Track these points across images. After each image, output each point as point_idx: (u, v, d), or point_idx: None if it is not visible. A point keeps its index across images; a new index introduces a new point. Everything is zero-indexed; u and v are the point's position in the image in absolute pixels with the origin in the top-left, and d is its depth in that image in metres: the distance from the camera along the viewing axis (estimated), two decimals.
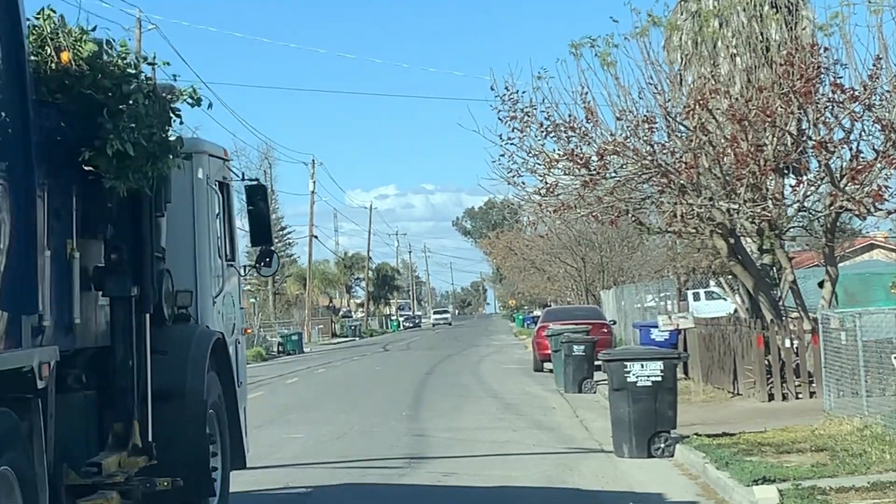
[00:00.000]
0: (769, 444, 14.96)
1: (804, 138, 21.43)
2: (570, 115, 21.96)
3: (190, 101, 9.63)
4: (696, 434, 16.14)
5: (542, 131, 22.15)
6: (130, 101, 8.87)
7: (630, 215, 22.80)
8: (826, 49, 21.35)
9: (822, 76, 20.77)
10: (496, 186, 30.50)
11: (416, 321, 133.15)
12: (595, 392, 26.90)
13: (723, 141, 21.37)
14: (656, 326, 27.61)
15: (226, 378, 10.79)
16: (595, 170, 21.64)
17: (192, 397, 9.88)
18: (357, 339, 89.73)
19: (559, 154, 22.22)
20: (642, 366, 15.77)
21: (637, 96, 22.05)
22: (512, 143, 22.46)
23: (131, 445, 9.10)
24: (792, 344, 22.12)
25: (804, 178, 22.60)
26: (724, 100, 21.49)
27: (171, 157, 9.31)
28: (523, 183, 23.37)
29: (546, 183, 22.76)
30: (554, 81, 22.18)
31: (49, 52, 8.60)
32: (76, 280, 8.47)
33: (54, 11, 8.83)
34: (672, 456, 15.38)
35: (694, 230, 22.34)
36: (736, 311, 27.89)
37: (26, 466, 7.07)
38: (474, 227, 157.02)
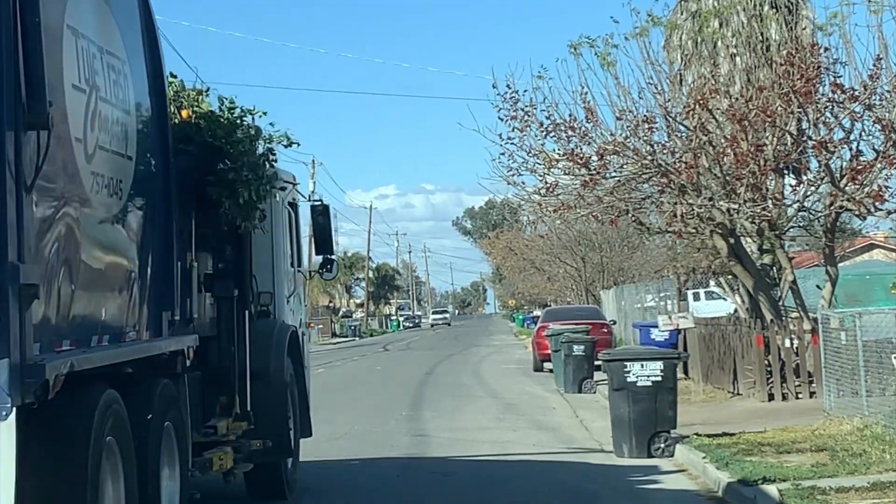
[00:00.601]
0: (769, 444, 14.96)
1: (804, 138, 21.43)
2: (570, 115, 21.98)
3: (285, 143, 12.20)
4: (696, 434, 16.14)
5: (543, 131, 22.15)
6: (240, 147, 11.33)
7: (630, 215, 22.80)
8: (826, 49, 21.35)
9: (822, 76, 20.77)
10: (496, 186, 30.72)
11: (416, 321, 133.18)
12: (595, 392, 26.90)
13: (723, 141, 21.36)
14: (656, 326, 27.61)
15: (297, 362, 13.18)
16: (595, 170, 21.64)
17: (276, 376, 12.36)
18: (357, 338, 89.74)
19: (559, 154, 22.22)
20: (642, 366, 15.77)
21: (637, 96, 22.07)
22: (512, 143, 22.48)
23: (234, 413, 11.72)
24: (792, 344, 22.12)
25: (804, 178, 22.60)
26: (724, 100, 21.49)
27: (272, 190, 12.04)
28: (523, 183, 23.39)
29: (546, 183, 22.77)
30: (554, 81, 22.20)
31: (173, 110, 10.89)
32: (195, 285, 10.83)
33: (175, 76, 11.52)
34: (672, 456, 15.38)
35: (694, 230, 22.34)
36: (736, 311, 27.88)
37: (180, 423, 9.65)
38: (474, 227, 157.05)
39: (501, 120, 22.36)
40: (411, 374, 35.51)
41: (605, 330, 35.51)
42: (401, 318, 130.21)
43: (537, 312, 67.54)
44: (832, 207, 21.19)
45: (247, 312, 12.11)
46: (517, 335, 77.46)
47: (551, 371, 32.16)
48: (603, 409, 21.19)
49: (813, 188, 22.06)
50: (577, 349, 28.06)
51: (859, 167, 20.56)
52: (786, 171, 23.49)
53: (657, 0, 32.34)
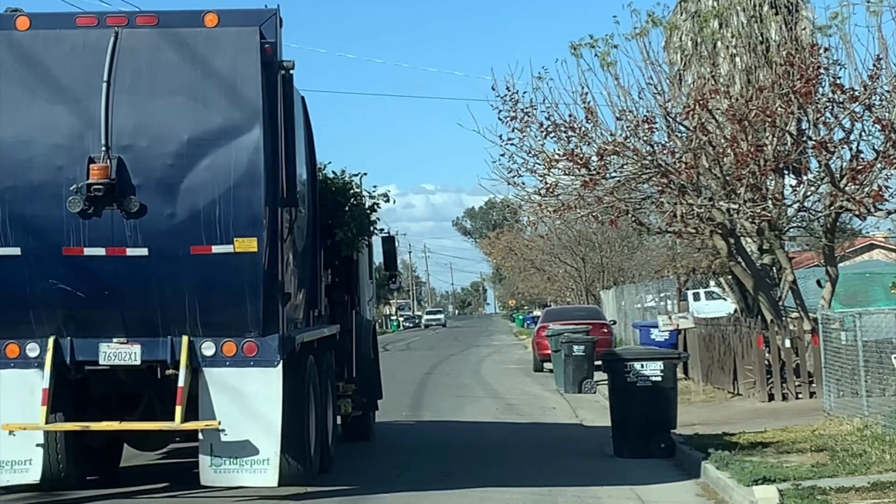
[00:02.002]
0: (769, 444, 14.97)
1: (804, 138, 21.43)
2: (570, 116, 21.97)
3: (385, 199, 17.17)
4: (696, 434, 16.15)
5: (543, 131, 22.15)
6: (352, 201, 16.40)
7: (630, 215, 22.80)
8: (826, 49, 21.36)
9: (822, 76, 20.77)
10: (496, 186, 30.67)
11: (416, 321, 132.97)
12: (595, 392, 26.91)
13: (723, 141, 21.37)
14: (656, 326, 27.61)
15: (375, 345, 18.91)
16: (595, 170, 21.64)
17: (369, 353, 18.10)
18: None
19: (559, 154, 22.22)
20: (642, 366, 15.78)
21: (637, 96, 22.07)
22: (512, 144, 22.48)
23: (346, 377, 16.71)
24: (792, 344, 22.13)
25: (804, 178, 22.60)
26: (724, 100, 21.49)
27: (371, 232, 17.54)
28: (523, 183, 23.39)
29: (546, 183, 22.76)
30: (554, 82, 22.19)
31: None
32: (322, 291, 15.27)
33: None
34: (672, 456, 15.39)
35: (694, 230, 22.35)
36: (736, 311, 27.89)
37: (333, 378, 15.39)
38: (474, 227, 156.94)
39: (501, 121, 22.39)
40: (411, 375, 35.48)
41: (605, 330, 35.49)
42: (401, 319, 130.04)
43: (537, 312, 67.51)
44: (832, 207, 21.19)
45: (354, 311, 17.11)
46: (517, 335, 77.42)
47: (551, 371, 32.15)
48: (603, 409, 21.19)
49: (813, 188, 22.07)
50: (577, 349, 28.06)
51: (859, 167, 20.57)
52: (786, 172, 23.49)
53: (658, 3, 32.29)
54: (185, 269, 12.12)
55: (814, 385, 21.38)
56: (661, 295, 46.79)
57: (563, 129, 21.88)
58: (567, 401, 25.86)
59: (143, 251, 12.13)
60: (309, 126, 14.54)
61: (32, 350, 12.44)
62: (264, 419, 12.16)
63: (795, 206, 22.58)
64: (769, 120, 20.76)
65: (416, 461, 16.01)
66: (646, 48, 22.39)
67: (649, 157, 21.31)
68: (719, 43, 25.61)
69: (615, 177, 22.12)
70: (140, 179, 12.07)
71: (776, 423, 17.51)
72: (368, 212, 16.78)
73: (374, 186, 17.12)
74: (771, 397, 21.86)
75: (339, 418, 16.16)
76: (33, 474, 12.40)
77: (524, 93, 22.27)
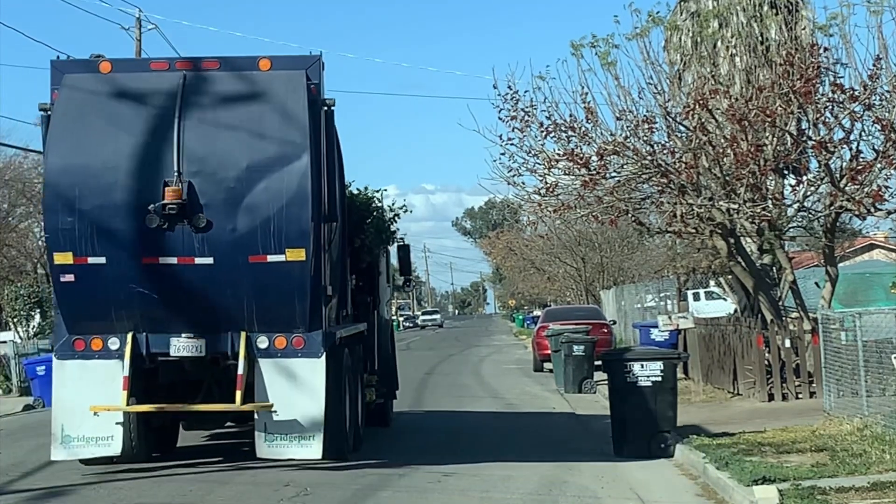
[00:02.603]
0: (769, 444, 14.97)
1: (804, 138, 21.43)
2: (570, 115, 21.98)
3: (403, 211, 19.93)
4: (696, 434, 16.15)
5: (543, 131, 22.15)
6: (374, 214, 18.90)
7: (630, 215, 22.80)
8: (826, 49, 21.35)
9: (822, 76, 20.77)
10: (496, 186, 30.79)
11: (416, 321, 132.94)
12: (595, 392, 26.91)
13: (723, 141, 21.37)
14: (656, 326, 27.63)
15: (393, 341, 21.46)
16: (595, 170, 21.64)
17: (388, 349, 20.58)
18: None
19: (559, 154, 22.22)
20: (642, 366, 15.78)
21: (637, 96, 22.06)
22: (512, 143, 22.48)
23: (369, 369, 18.73)
24: (792, 344, 22.12)
25: (804, 178, 22.60)
26: (724, 100, 21.49)
27: (390, 241, 20.26)
28: (523, 183, 23.38)
29: (546, 183, 22.77)
30: (554, 81, 22.19)
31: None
32: (349, 294, 17.37)
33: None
34: (672, 456, 15.40)
35: (694, 230, 22.35)
36: (736, 311, 27.90)
37: (360, 372, 17.40)
38: (474, 227, 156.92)
39: (502, 120, 22.39)
40: (411, 374, 35.46)
41: (605, 330, 35.49)
42: (401, 319, 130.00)
43: (537, 312, 67.52)
44: (832, 207, 21.19)
45: (375, 312, 19.31)
46: (517, 335, 77.41)
47: (551, 371, 32.16)
48: (603, 409, 21.19)
49: (813, 188, 22.07)
50: (577, 349, 28.07)
51: (859, 167, 20.57)
52: (786, 171, 23.50)
53: (659, 2, 32.31)
54: (244, 275, 14.36)
55: (814, 385, 21.38)
56: (661, 295, 46.82)
57: (563, 128, 21.89)
58: (567, 401, 25.86)
59: (209, 260, 14.35)
60: (340, 150, 16.52)
61: (114, 344, 14.64)
62: (310, 401, 14.38)
63: (795, 206, 22.58)
64: (769, 120, 20.76)
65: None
66: (646, 48, 22.41)
67: (649, 157, 21.31)
68: (719, 43, 25.61)
69: (615, 177, 22.12)
70: (207, 199, 14.30)
71: (776, 423, 17.51)
72: (388, 223, 19.45)
73: (394, 201, 19.95)
74: (771, 397, 21.86)
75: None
76: (115, 448, 14.66)
77: (524, 92, 22.30)
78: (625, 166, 21.89)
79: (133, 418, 15.02)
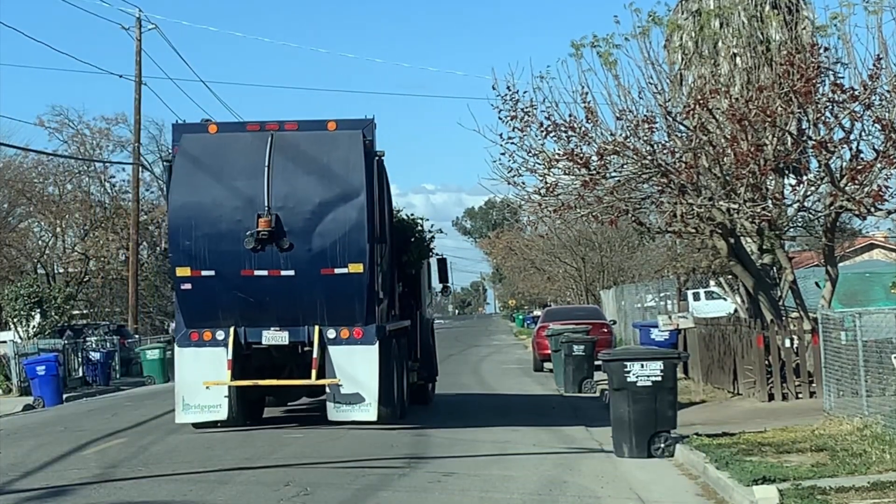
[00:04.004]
0: (769, 444, 14.95)
1: (804, 138, 21.44)
2: (570, 115, 21.98)
3: (439, 232, 26.69)
4: (696, 434, 16.14)
5: (543, 131, 22.16)
6: (416, 235, 23.61)
7: (630, 215, 22.80)
8: (826, 49, 21.35)
9: (822, 76, 20.77)
10: (496, 186, 30.65)
11: None
12: (595, 392, 26.88)
13: (723, 141, 21.37)
14: (656, 326, 27.61)
15: (433, 336, 25.88)
16: (595, 170, 21.64)
17: (428, 341, 25.02)
18: None
19: (559, 154, 22.22)
20: (642, 366, 15.75)
21: (637, 96, 22.09)
22: (512, 143, 22.49)
23: (413, 357, 23.43)
24: (792, 344, 22.11)
25: (804, 178, 22.61)
26: (724, 100, 21.49)
27: (429, 256, 25.03)
28: (523, 183, 23.39)
29: (546, 183, 22.77)
30: (554, 81, 22.22)
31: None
32: (397, 298, 22.03)
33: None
34: (672, 456, 15.38)
35: (694, 230, 22.34)
36: (736, 311, 27.89)
37: (404, 359, 22.29)
38: (474, 227, 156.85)
39: (501, 120, 22.41)
40: None
41: (605, 330, 35.51)
42: None
43: (537, 312, 67.50)
44: (832, 207, 21.19)
45: (418, 312, 24.15)
46: (517, 335, 77.42)
47: (551, 371, 32.16)
48: (603, 409, 21.17)
49: (813, 188, 22.07)
50: (577, 349, 28.08)
51: (859, 167, 20.57)
52: (786, 171, 23.49)
53: (659, 2, 32.27)
54: (317, 283, 19.05)
55: (814, 385, 21.37)
56: (661, 295, 46.79)
57: (563, 128, 21.89)
58: (567, 401, 25.84)
59: (291, 272, 19.08)
60: (388, 183, 21.35)
61: (220, 335, 19.36)
62: (367, 378, 19.10)
63: (795, 206, 22.58)
64: (769, 120, 20.76)
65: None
66: (646, 48, 22.44)
67: (649, 157, 21.30)
68: (720, 42, 25.60)
69: (615, 177, 22.12)
70: (289, 227, 19.05)
71: (776, 423, 17.50)
72: (427, 242, 24.56)
73: (432, 225, 25.10)
74: (771, 397, 21.85)
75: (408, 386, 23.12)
76: (222, 414, 19.41)
77: (524, 92, 22.32)
78: (625, 166, 21.89)
79: (234, 391, 19.51)
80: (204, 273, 19.10)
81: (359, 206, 18.91)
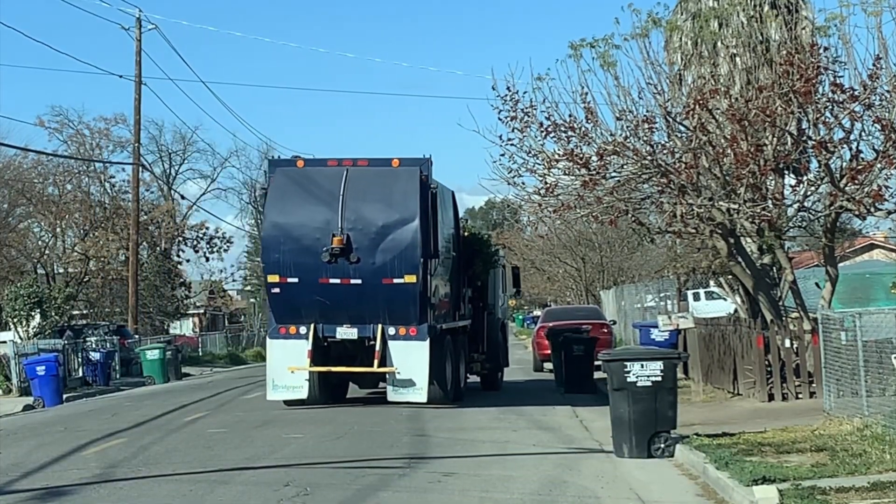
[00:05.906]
0: (769, 444, 14.95)
1: (804, 138, 21.43)
2: (570, 116, 21.98)
3: (501, 248, 37.26)
4: (696, 434, 16.14)
5: (542, 131, 22.16)
6: (483, 248, 29.26)
7: (630, 215, 22.80)
8: (826, 49, 21.34)
9: (822, 76, 20.76)
10: (496, 186, 30.86)
11: None
12: (596, 392, 26.86)
13: (723, 141, 21.37)
14: (656, 326, 27.59)
15: (504, 332, 31.45)
16: (595, 170, 21.64)
17: (496, 337, 29.85)
18: None
19: (559, 154, 22.22)
20: (642, 366, 15.75)
21: (637, 96, 22.08)
22: (512, 144, 22.50)
23: (480, 350, 28.93)
24: (792, 344, 22.11)
25: (804, 178, 22.60)
26: (724, 100, 21.48)
27: (497, 264, 30.95)
28: (523, 183, 23.41)
29: (546, 183, 22.77)
30: (554, 82, 22.21)
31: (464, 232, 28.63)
32: (465, 299, 27.69)
33: (467, 221, 31.60)
34: (672, 456, 15.38)
35: (694, 230, 22.34)
36: (736, 311, 27.89)
37: (463, 351, 26.94)
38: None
39: (501, 121, 22.42)
40: None
41: (605, 330, 35.49)
42: None
43: (537, 312, 67.49)
44: (832, 207, 21.19)
45: (485, 312, 29.04)
46: (517, 335, 77.38)
47: (551, 371, 32.14)
48: (603, 409, 21.15)
49: (813, 188, 22.06)
50: (577, 349, 28.05)
51: (859, 167, 20.56)
52: (786, 171, 23.48)
53: (658, 2, 32.24)
54: (379, 290, 23.12)
55: (814, 385, 21.37)
56: (661, 295, 46.80)
57: (563, 129, 21.89)
58: (567, 401, 25.82)
59: (359, 281, 23.17)
60: (456, 210, 26.90)
61: (302, 330, 23.59)
62: (419, 367, 23.11)
63: (795, 206, 22.58)
64: (769, 120, 20.76)
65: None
66: (646, 48, 22.43)
67: (649, 157, 21.30)
68: (719, 43, 25.58)
69: (615, 177, 22.12)
70: (357, 245, 23.16)
71: (776, 423, 17.50)
72: (493, 256, 29.82)
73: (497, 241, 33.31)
74: (771, 397, 21.85)
75: (475, 375, 29.15)
76: (303, 394, 23.67)
77: (524, 93, 22.33)
78: (625, 166, 21.89)
79: (314, 376, 23.80)
80: (290, 280, 23.34)
81: (413, 229, 22.93)
